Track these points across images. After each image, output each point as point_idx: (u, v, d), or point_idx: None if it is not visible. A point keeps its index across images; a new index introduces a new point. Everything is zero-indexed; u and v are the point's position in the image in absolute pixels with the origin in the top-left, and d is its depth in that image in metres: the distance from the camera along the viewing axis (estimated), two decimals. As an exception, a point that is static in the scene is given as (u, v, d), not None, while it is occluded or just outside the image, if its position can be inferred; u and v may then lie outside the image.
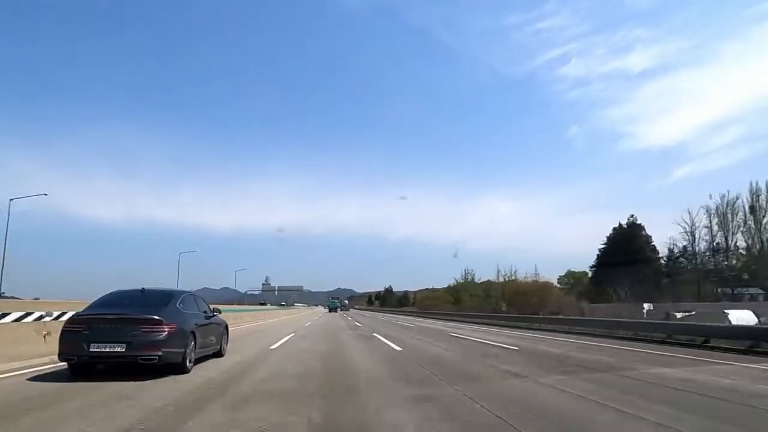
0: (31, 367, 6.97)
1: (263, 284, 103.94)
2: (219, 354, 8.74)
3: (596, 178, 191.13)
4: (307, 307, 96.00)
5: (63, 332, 6.10)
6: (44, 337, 7.97)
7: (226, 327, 9.46)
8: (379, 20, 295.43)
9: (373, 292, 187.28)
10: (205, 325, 7.90)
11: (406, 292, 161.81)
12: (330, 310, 74.54)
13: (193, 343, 6.99)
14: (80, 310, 6.82)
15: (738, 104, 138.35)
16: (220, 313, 9.21)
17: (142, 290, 7.36)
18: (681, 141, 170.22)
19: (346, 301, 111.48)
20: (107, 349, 5.96)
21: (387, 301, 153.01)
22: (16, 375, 6.35)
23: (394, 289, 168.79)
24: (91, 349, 5.93)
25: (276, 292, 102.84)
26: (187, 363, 6.71)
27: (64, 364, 6.40)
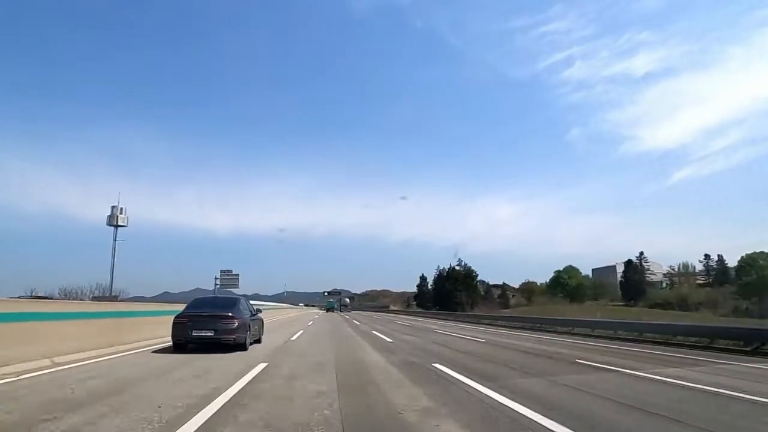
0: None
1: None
2: (259, 341, 12.38)
3: (597, 181, 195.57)
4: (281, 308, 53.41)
5: (175, 323, 9.76)
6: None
7: (263, 321, 13.14)
8: (383, 21, 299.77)
9: (373, 290, 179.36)
10: (253, 319, 11.57)
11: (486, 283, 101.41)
12: (327, 311, 71.82)
13: (249, 331, 10.64)
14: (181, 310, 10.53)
15: (740, 107, 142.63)
16: (260, 311, 12.87)
17: (214, 297, 11.06)
18: (682, 144, 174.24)
19: (347, 300, 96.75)
20: (203, 334, 9.64)
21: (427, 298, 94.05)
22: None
23: (395, 290, 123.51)
24: (193, 334, 9.60)
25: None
26: (247, 344, 10.40)
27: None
